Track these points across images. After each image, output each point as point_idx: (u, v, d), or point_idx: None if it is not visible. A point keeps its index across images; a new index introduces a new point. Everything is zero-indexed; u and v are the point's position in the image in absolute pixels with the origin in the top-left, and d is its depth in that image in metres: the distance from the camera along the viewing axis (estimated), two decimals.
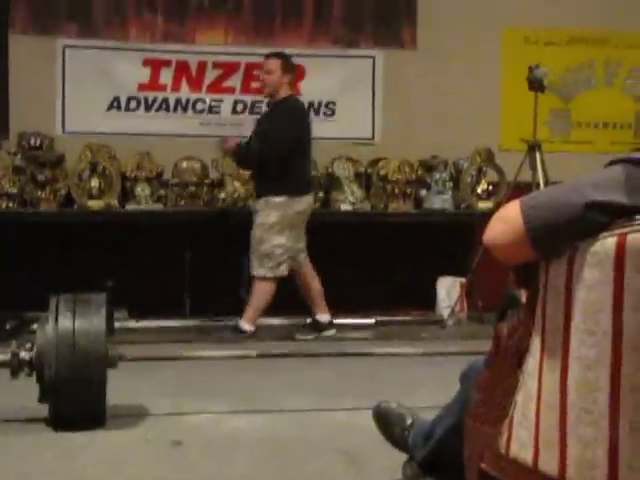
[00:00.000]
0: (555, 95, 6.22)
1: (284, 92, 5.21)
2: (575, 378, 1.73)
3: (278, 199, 5.11)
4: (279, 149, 5.10)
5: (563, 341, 1.75)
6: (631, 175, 1.70)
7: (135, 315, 5.52)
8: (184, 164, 6.04)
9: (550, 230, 1.76)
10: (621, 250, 1.62)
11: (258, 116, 5.93)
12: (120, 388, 3.59)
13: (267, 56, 5.34)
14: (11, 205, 5.86)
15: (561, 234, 1.73)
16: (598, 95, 6.85)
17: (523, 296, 1.98)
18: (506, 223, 1.84)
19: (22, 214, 5.91)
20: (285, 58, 5.36)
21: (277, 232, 5.15)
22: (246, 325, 5.25)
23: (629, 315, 1.62)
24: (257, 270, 5.25)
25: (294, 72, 5.51)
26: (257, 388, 4.22)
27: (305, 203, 5.31)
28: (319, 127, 5.94)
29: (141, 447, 3.31)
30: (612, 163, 1.78)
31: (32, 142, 5.99)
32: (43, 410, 3.47)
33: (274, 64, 5.23)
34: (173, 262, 5.86)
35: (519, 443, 1.85)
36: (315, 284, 5.39)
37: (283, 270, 5.26)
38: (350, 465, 3.01)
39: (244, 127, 6.03)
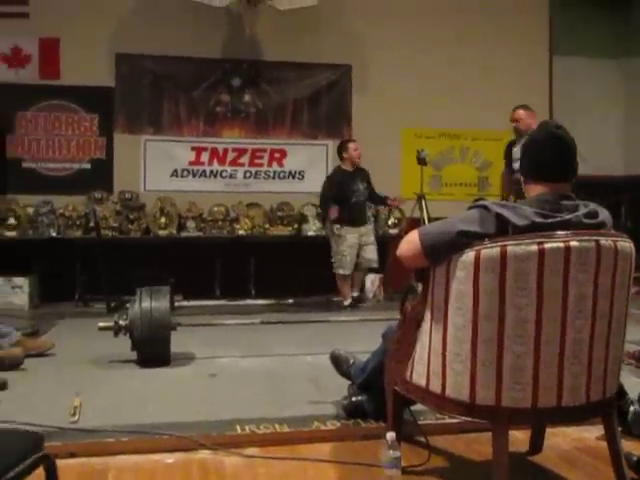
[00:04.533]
0: (432, 167, 7.52)
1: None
2: (450, 335, 2.13)
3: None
4: None
5: (444, 314, 2.15)
6: (482, 214, 2.14)
7: (187, 298, 6.74)
8: (215, 208, 7.63)
9: (436, 248, 2.19)
10: (477, 259, 2.04)
11: (259, 180, 7.88)
12: (178, 342, 4.27)
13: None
14: (114, 234, 7.37)
15: (442, 250, 2.17)
16: (456, 167, 8.36)
17: (419, 287, 2.36)
18: (410, 243, 2.29)
19: (120, 239, 7.34)
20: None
21: None
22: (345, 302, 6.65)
23: (482, 298, 2.04)
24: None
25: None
26: (259, 342, 4.92)
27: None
28: (295, 185, 7.97)
29: (191, 377, 3.97)
30: (470, 208, 2.22)
31: (126, 196, 7.59)
32: (133, 355, 4.19)
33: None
34: (208, 267, 7.27)
35: (417, 374, 2.29)
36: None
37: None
38: (316, 388, 3.58)
39: (250, 187, 7.97)
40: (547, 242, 2.01)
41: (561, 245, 2.02)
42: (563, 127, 2.28)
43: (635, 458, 2.31)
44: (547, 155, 2.24)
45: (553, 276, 2.01)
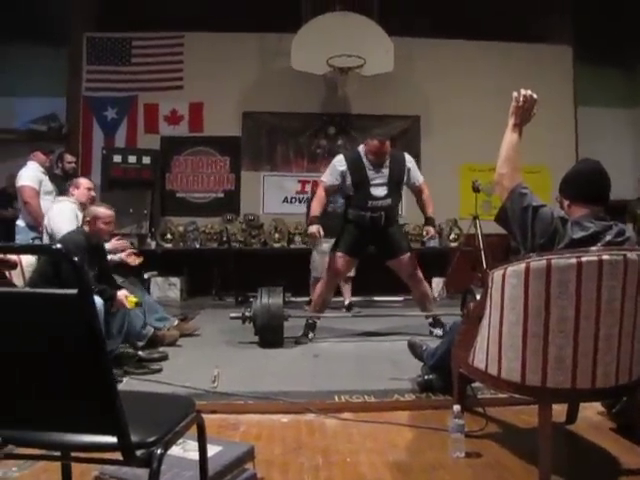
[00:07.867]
0: (484, 193, 7.03)
1: None
2: (506, 329, 2.05)
3: None
4: None
5: (500, 312, 2.06)
6: (549, 220, 2.09)
7: (295, 295, 6.50)
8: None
9: (511, 208, 2.16)
10: (527, 269, 1.96)
11: None
12: (288, 329, 4.24)
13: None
14: (241, 246, 7.34)
15: (512, 211, 2.14)
16: None
17: (477, 291, 2.41)
18: (505, 189, 2.19)
19: (245, 250, 7.29)
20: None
21: None
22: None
23: (531, 300, 1.95)
24: None
25: None
26: (351, 330, 4.85)
27: None
28: None
29: (299, 356, 3.91)
30: (544, 207, 2.12)
31: (249, 217, 7.57)
32: (255, 338, 4.20)
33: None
34: (311, 271, 6.63)
35: (478, 360, 2.21)
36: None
37: None
38: (394, 366, 3.49)
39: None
40: (584, 256, 1.93)
41: (595, 258, 1.93)
42: (600, 163, 2.22)
43: None
44: (592, 184, 2.18)
45: (589, 283, 1.92)
